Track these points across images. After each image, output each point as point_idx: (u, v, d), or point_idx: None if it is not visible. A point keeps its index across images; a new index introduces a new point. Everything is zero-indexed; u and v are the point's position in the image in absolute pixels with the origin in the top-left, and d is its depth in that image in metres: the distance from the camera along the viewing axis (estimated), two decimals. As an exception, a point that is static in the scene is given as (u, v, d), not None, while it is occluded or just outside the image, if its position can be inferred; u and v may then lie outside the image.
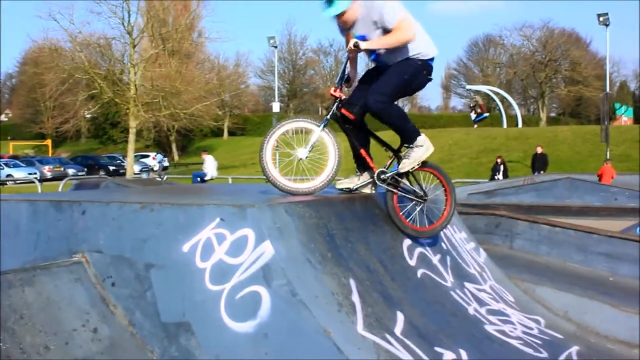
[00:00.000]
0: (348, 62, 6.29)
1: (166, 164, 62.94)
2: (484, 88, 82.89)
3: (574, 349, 6.31)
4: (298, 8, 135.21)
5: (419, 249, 6.23)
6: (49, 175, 47.71)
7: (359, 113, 6.09)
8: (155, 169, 53.13)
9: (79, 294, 4.84)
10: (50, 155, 67.47)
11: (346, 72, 6.23)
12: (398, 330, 4.88)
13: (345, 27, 6.15)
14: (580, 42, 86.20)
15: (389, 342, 4.66)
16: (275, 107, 40.12)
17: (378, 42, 5.95)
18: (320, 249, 4.95)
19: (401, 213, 6.08)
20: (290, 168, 5.94)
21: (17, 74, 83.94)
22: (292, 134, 5.90)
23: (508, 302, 6.79)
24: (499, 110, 76.34)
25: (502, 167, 33.26)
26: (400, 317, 5.04)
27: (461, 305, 6.04)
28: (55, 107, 64.98)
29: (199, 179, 30.33)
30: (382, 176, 6.06)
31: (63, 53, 48.75)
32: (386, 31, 5.92)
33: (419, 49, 6.08)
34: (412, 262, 6.00)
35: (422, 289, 5.81)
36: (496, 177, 31.70)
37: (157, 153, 64.61)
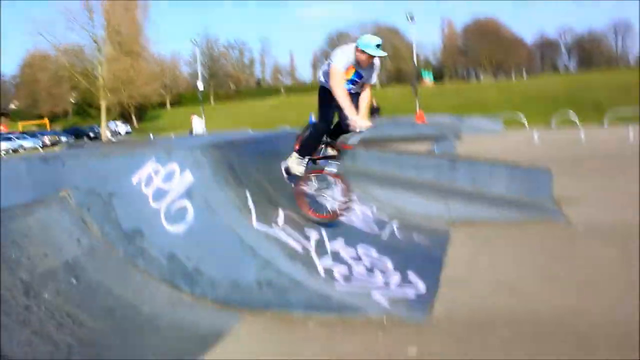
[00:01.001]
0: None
1: (129, 129, 60.56)
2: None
3: (394, 223, 6.54)
4: (214, 16, 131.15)
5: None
6: (48, 142, 44.86)
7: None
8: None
9: (65, 218, 4.65)
10: (48, 129, 63.52)
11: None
12: (280, 222, 4.92)
13: (361, 65, 5.21)
14: (399, 33, 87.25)
15: (274, 229, 4.72)
16: (200, 85, 39.12)
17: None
18: (226, 175, 4.87)
19: None
20: None
21: (19, 75, 78.06)
22: None
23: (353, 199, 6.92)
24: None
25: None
26: (281, 213, 5.07)
27: (320, 203, 6.08)
28: (48, 96, 61.21)
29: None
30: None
31: (50, 59, 46.12)
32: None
33: None
34: (288, 181, 6.00)
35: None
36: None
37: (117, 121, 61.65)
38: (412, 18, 38.89)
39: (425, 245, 5.98)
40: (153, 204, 4.57)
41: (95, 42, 45.33)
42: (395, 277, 4.73)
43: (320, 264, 4.59)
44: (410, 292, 4.48)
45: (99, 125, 50.97)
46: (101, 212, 4.72)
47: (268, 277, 4.23)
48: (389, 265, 5.01)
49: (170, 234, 4.50)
